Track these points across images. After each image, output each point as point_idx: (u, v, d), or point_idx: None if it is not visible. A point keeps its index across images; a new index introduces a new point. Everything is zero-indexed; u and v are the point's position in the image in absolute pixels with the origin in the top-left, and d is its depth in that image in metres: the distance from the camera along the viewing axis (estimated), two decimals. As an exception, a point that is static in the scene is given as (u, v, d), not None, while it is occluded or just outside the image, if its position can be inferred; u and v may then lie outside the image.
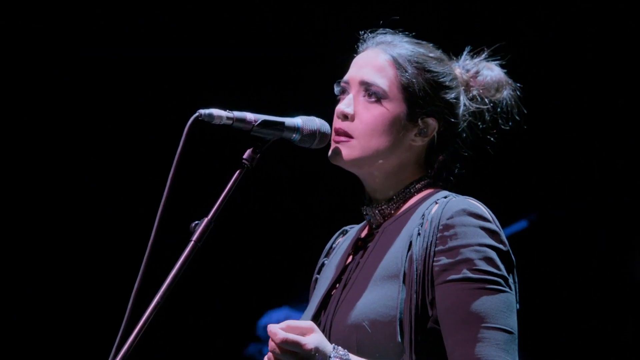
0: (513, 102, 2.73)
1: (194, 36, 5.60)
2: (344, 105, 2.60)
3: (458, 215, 2.44)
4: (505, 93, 2.72)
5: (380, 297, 2.44)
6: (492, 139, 2.70)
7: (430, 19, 4.93)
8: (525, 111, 2.73)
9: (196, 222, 2.40)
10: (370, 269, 2.52)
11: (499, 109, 2.70)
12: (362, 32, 2.71)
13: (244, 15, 5.59)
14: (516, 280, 2.47)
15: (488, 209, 2.50)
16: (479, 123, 2.67)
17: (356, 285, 2.52)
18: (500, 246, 2.44)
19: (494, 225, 2.47)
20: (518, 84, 2.75)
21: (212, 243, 2.67)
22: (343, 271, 2.62)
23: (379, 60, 2.62)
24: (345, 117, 2.60)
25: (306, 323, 2.34)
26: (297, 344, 2.29)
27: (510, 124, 2.71)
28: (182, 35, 5.60)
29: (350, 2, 5.34)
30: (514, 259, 2.48)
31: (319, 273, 2.78)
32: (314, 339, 2.32)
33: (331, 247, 2.83)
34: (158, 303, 2.30)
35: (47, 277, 5.71)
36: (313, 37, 5.42)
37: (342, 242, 2.79)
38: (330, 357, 2.33)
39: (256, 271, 5.82)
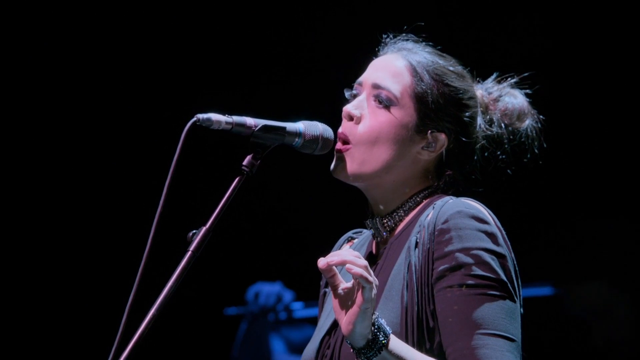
0: (534, 134, 2.65)
1: (192, 38, 5.59)
2: (352, 107, 2.56)
3: (453, 219, 2.37)
4: (527, 123, 2.65)
5: (386, 316, 2.37)
6: (508, 171, 2.62)
7: (462, 42, 4.89)
8: (545, 145, 2.65)
9: (194, 231, 2.35)
10: (378, 288, 2.41)
11: (516, 139, 2.63)
12: (385, 35, 2.66)
13: (243, 16, 5.57)
14: (519, 283, 2.40)
15: (488, 210, 2.43)
16: (497, 151, 2.61)
17: None
18: (499, 249, 2.37)
19: (493, 227, 2.39)
20: (542, 117, 2.68)
21: (211, 253, 2.62)
22: None
23: (396, 65, 2.56)
24: (350, 118, 2.55)
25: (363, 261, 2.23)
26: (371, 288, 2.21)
27: (528, 156, 2.64)
28: (180, 37, 5.59)
29: (361, 6, 5.31)
30: (514, 261, 2.40)
31: (327, 286, 2.69)
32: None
33: None
34: (154, 315, 2.26)
35: (42, 284, 5.70)
36: (317, 40, 5.40)
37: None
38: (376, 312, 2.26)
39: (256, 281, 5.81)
